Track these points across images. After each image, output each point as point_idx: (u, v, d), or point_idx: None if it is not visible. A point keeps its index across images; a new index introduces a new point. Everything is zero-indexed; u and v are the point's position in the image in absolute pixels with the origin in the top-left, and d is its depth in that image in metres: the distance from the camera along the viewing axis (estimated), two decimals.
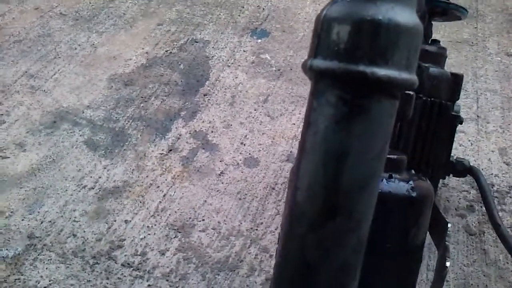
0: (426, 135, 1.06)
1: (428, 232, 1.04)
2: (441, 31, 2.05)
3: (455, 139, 1.18)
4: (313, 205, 0.38)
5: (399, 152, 0.78)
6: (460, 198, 1.43)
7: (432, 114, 1.05)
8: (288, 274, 0.40)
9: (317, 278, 0.39)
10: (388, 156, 0.73)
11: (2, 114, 1.69)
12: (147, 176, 1.49)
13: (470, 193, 1.45)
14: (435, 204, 1.12)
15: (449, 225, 0.94)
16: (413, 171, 0.81)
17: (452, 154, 1.23)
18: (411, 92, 0.73)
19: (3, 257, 1.29)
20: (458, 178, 1.46)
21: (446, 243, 0.83)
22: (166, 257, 1.29)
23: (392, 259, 0.72)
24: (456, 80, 1.09)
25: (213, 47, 1.98)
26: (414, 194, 0.70)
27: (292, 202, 0.40)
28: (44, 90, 1.79)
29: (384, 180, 0.69)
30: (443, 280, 0.75)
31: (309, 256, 0.39)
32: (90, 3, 2.24)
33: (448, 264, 0.75)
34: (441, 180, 1.44)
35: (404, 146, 1.00)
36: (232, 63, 1.90)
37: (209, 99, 1.74)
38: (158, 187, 1.46)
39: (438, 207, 1.09)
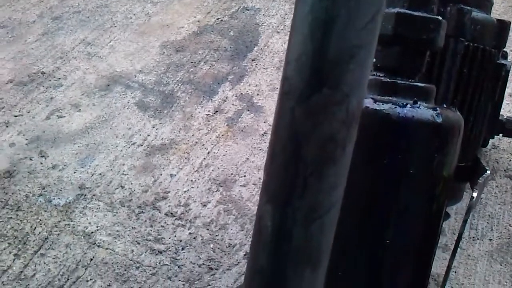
0: (468, 83, 1.02)
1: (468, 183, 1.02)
2: None
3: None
4: (301, 77, 0.39)
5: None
6: (510, 160, 1.38)
7: (474, 60, 1.01)
8: (279, 147, 0.41)
9: (307, 149, 0.39)
10: (416, 83, 0.72)
11: (60, 78, 1.78)
12: (193, 135, 1.53)
13: None
14: (476, 156, 1.09)
15: (488, 171, 0.91)
16: (444, 106, 0.79)
17: (503, 113, 1.19)
18: (439, 18, 0.71)
19: (55, 205, 1.37)
20: (509, 140, 1.41)
21: (479, 181, 0.81)
22: (208, 208, 1.32)
23: (416, 184, 0.71)
24: (502, 27, 1.04)
25: (263, 15, 1.99)
26: (439, 121, 0.69)
27: (283, 77, 0.40)
28: (100, 56, 1.87)
29: (409, 105, 0.68)
30: (469, 212, 0.73)
31: (299, 127, 0.39)
32: None
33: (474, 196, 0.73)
34: (491, 141, 1.39)
35: (444, 93, 0.98)
36: (281, 30, 1.91)
37: (256, 64, 1.76)
38: (203, 145, 1.50)
39: (480, 159, 1.06)
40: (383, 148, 0.68)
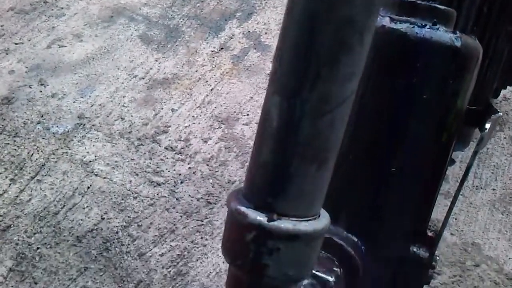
0: (487, 23, 0.98)
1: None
2: None
3: None
4: None
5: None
6: None
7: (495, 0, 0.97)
8: (292, 29, 0.38)
9: (322, 32, 0.36)
10: (436, 5, 0.68)
11: (62, 8, 1.72)
12: (196, 71, 1.49)
13: None
14: (488, 101, 1.05)
15: (499, 113, 0.88)
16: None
17: None
18: None
19: (53, 133, 1.34)
20: None
21: (490, 120, 0.77)
22: (208, 144, 1.30)
23: (429, 111, 0.68)
24: None
25: None
26: (458, 44, 0.65)
27: None
28: None
29: (427, 26, 0.65)
30: (476, 153, 0.71)
31: (315, 6, 0.36)
32: None
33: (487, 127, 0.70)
34: (502, 93, 1.36)
35: (464, 23, 0.93)
36: None
37: (266, 2, 1.70)
38: (207, 81, 1.46)
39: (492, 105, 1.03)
40: (397, 69, 0.65)
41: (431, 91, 0.66)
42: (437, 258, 0.76)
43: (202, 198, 1.18)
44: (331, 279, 0.62)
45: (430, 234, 0.77)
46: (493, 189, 1.17)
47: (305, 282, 0.62)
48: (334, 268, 0.64)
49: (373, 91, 0.68)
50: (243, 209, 0.43)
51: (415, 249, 0.76)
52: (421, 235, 0.76)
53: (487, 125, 0.71)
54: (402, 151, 0.69)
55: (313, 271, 0.64)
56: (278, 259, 0.43)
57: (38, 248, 1.11)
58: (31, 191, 1.21)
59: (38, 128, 1.36)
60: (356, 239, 0.73)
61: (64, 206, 1.18)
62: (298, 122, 0.39)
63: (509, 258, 1.05)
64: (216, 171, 1.24)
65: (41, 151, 1.30)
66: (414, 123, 0.68)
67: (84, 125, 1.36)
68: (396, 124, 0.69)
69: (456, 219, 1.12)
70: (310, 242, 0.44)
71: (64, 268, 1.08)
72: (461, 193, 1.17)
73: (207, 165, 1.25)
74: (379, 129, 0.69)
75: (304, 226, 0.42)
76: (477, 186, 1.18)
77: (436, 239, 0.75)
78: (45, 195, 1.21)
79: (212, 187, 1.21)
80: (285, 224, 0.42)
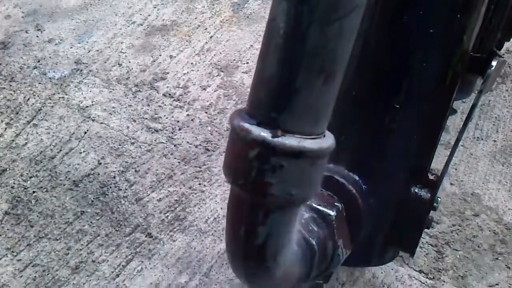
0: None
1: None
2: None
3: None
4: None
5: None
6: None
7: None
8: None
9: None
10: None
11: None
12: (195, 18, 1.45)
13: None
14: (493, 49, 1.03)
15: (504, 59, 0.86)
16: None
17: None
18: None
19: (49, 78, 1.32)
20: None
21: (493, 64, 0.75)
22: (207, 92, 1.28)
23: (434, 46, 0.65)
24: None
25: None
26: None
27: None
28: None
29: None
30: (477, 101, 0.69)
31: None
32: None
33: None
34: (505, 46, 1.33)
35: None
36: None
37: None
38: (206, 29, 1.43)
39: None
40: (405, 1, 0.63)
41: (438, 25, 0.64)
42: (439, 199, 0.75)
43: (200, 145, 1.17)
44: (332, 213, 0.61)
45: (431, 177, 0.76)
46: (494, 141, 1.15)
47: (306, 215, 0.61)
48: (336, 203, 0.63)
49: (379, 24, 0.66)
50: (246, 125, 0.41)
51: (416, 190, 0.75)
52: (423, 177, 0.75)
53: (493, 63, 0.69)
54: (406, 87, 0.67)
55: (314, 205, 0.63)
56: (282, 177, 0.42)
57: (34, 192, 1.10)
58: (27, 135, 1.20)
59: (35, 73, 1.33)
60: (357, 178, 0.72)
61: (60, 150, 1.17)
62: (305, 30, 0.37)
63: (509, 209, 1.05)
64: (215, 119, 1.22)
65: (38, 96, 1.28)
66: (420, 59, 0.66)
67: (81, 70, 1.33)
68: (401, 59, 0.66)
69: (456, 169, 1.11)
70: (315, 160, 0.42)
71: (60, 211, 1.07)
72: (461, 143, 1.16)
73: (206, 112, 1.23)
74: (383, 64, 0.67)
75: (309, 143, 0.41)
76: (478, 137, 1.16)
77: (438, 181, 0.74)
78: (41, 139, 1.19)
79: (211, 134, 1.19)
80: (290, 141, 0.40)
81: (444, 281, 0.95)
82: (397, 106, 0.68)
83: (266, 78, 0.40)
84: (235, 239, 0.46)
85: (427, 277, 0.96)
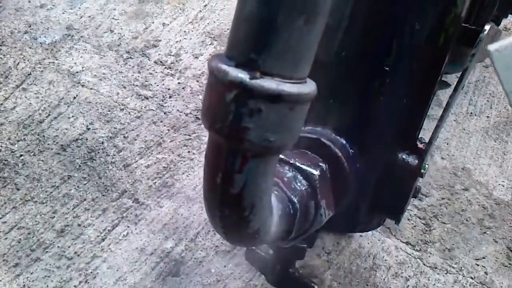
0: None
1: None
2: None
3: None
4: None
5: None
6: None
7: None
8: None
9: None
10: None
11: None
12: None
13: None
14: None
15: (499, 28, 0.84)
16: None
17: None
18: None
19: (40, 43, 1.30)
20: None
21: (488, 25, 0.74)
22: (199, 60, 1.26)
23: (426, 10, 0.64)
24: None
25: None
26: None
27: None
28: None
29: None
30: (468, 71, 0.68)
31: None
32: None
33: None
34: (503, 23, 1.32)
35: None
36: None
37: None
38: None
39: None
40: None
41: None
42: (426, 166, 0.74)
43: (190, 113, 1.16)
44: (315, 172, 0.60)
45: (420, 145, 0.75)
46: (487, 117, 1.14)
47: (289, 174, 0.60)
48: (320, 164, 0.62)
49: None
50: (224, 67, 0.40)
51: (404, 156, 0.73)
52: (411, 143, 0.74)
53: (486, 27, 0.67)
54: (397, 49, 0.66)
55: (298, 164, 0.62)
56: (259, 122, 0.40)
57: (21, 155, 1.09)
58: (16, 99, 1.18)
59: (25, 38, 1.31)
60: (344, 142, 0.70)
61: (49, 115, 1.15)
62: None
63: (499, 184, 1.04)
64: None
65: (27, 61, 1.26)
66: (412, 19, 0.64)
67: (73, 36, 1.31)
68: (392, 19, 0.65)
69: (447, 144, 1.10)
70: (294, 105, 0.41)
71: (47, 175, 1.06)
72: (454, 119, 1.15)
73: (197, 81, 1.22)
74: (374, 24, 0.65)
75: (289, 87, 0.40)
76: (471, 112, 1.15)
77: (426, 149, 0.73)
78: (30, 103, 1.17)
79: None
80: (268, 83, 0.39)
81: (430, 253, 0.95)
82: (387, 68, 0.67)
83: (245, 17, 0.39)
84: (212, 187, 0.45)
85: (413, 249, 0.95)
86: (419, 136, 0.76)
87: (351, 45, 0.67)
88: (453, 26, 0.69)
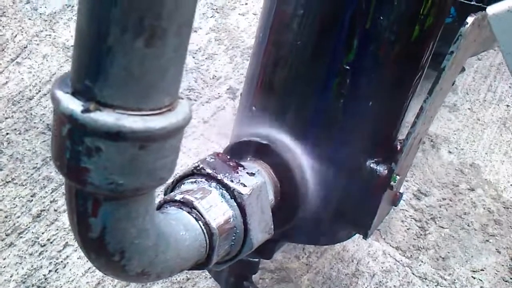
0: None
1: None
2: None
3: None
4: None
5: None
6: None
7: None
8: None
9: None
10: None
11: None
12: None
13: None
14: None
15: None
16: None
17: None
18: None
19: (40, 13, 1.25)
20: None
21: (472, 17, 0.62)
22: (198, 35, 1.17)
23: None
24: None
25: None
26: None
27: None
28: None
29: None
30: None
31: None
32: None
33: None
34: None
35: None
36: None
37: None
38: None
39: None
40: None
41: None
42: (397, 177, 0.64)
43: (182, 93, 1.08)
44: (244, 191, 0.52)
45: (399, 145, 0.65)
46: (507, 106, 1.00)
47: (213, 192, 0.52)
48: (256, 178, 0.54)
49: None
50: (58, 94, 0.32)
51: (372, 165, 0.64)
52: (382, 150, 0.64)
53: (469, 20, 0.56)
54: (358, 44, 0.56)
55: (226, 181, 0.53)
56: (100, 163, 0.32)
57: (7, 134, 1.05)
58: (9, 74, 1.14)
59: (26, 8, 1.26)
60: (300, 148, 0.62)
61: (39, 91, 1.11)
62: None
63: (511, 185, 0.91)
64: (201, 65, 1.12)
65: (25, 33, 1.21)
66: (375, 10, 0.54)
67: (73, 7, 1.25)
68: (353, 9, 0.55)
69: (457, 135, 0.97)
70: (145, 144, 0.33)
71: (30, 156, 1.02)
72: (468, 107, 1.02)
73: (193, 57, 1.14)
74: (331, 15, 0.55)
75: (132, 122, 0.32)
76: (489, 100, 1.02)
77: (396, 158, 0.63)
78: (22, 78, 1.13)
79: (195, 82, 1.10)
80: (104, 117, 0.31)
81: (422, 261, 0.85)
82: (347, 67, 0.57)
83: (78, 34, 0.31)
84: (72, 228, 0.38)
85: (403, 255, 0.86)
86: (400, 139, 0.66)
87: (306, 39, 0.57)
88: (431, 17, 0.58)
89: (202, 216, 0.48)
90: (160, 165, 0.35)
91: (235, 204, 0.51)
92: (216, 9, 1.20)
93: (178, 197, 0.49)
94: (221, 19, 1.19)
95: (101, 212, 0.35)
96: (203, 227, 0.48)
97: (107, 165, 0.32)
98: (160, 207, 0.50)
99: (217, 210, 0.50)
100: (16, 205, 0.96)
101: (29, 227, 0.94)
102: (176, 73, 0.33)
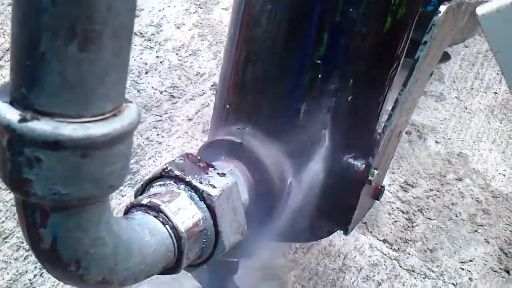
0: None
1: None
2: None
3: None
4: None
5: None
6: None
7: None
8: None
9: None
10: None
11: None
12: None
13: None
14: None
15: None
16: None
17: None
18: None
19: None
20: None
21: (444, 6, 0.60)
22: (181, 31, 1.16)
23: None
24: None
25: None
26: None
27: None
28: None
29: None
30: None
31: None
32: None
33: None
34: None
35: None
36: None
37: None
38: None
39: None
40: None
41: None
42: (374, 171, 0.63)
43: (165, 91, 1.07)
44: (213, 192, 0.51)
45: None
46: (495, 93, 0.98)
47: (182, 195, 0.51)
48: (226, 181, 0.53)
49: None
50: None
51: (349, 160, 0.63)
52: (360, 144, 0.63)
53: (442, 8, 0.54)
54: (328, 37, 0.54)
55: (194, 183, 0.52)
56: (42, 173, 0.31)
57: None
58: None
59: (8, 11, 1.25)
60: (275, 145, 0.60)
61: None
62: None
63: (499, 173, 0.90)
64: (185, 61, 1.11)
65: (8, 35, 1.20)
66: (346, 0, 0.52)
67: None
68: (322, 2, 0.53)
69: (444, 125, 0.96)
70: (87, 152, 0.32)
71: None
72: (456, 95, 1.00)
73: (177, 54, 1.12)
74: (303, 6, 0.54)
75: (72, 130, 0.30)
76: (476, 88, 1.00)
77: (374, 153, 0.61)
78: (5, 81, 1.12)
79: (179, 79, 1.08)
80: (41, 126, 0.30)
81: (409, 254, 0.84)
82: (318, 61, 0.55)
83: (12, 42, 0.29)
84: (25, 240, 0.37)
85: (391, 248, 0.85)
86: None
87: (276, 34, 0.56)
88: (404, 7, 0.56)
89: (169, 220, 0.47)
90: (107, 173, 0.33)
91: (205, 206, 0.50)
92: (199, 4, 1.19)
93: (144, 201, 0.48)
94: (204, 14, 1.17)
95: (49, 223, 0.34)
96: (170, 231, 0.47)
97: (49, 175, 0.31)
98: (127, 212, 0.49)
99: (186, 213, 0.49)
100: (1, 210, 0.95)
101: (13, 232, 0.93)
102: (118, 77, 0.32)
